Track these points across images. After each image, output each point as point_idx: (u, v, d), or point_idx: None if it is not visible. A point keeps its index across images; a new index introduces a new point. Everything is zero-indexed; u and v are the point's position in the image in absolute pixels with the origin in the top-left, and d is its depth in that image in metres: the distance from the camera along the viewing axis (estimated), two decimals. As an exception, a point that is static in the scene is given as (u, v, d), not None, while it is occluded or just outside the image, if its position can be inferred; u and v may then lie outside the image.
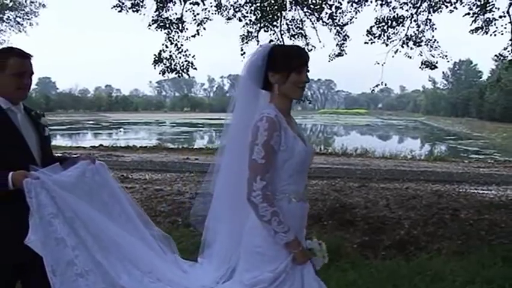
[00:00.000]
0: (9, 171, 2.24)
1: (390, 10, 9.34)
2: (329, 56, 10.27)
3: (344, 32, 9.97)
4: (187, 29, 9.12)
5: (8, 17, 18.99)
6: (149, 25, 8.91)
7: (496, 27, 8.85)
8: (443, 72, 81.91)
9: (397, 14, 9.36)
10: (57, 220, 2.24)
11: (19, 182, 2.21)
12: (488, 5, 8.75)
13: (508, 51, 8.78)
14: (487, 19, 8.96)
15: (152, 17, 8.87)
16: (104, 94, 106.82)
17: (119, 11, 8.73)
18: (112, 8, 8.63)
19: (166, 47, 9.09)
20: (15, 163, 2.28)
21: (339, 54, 10.15)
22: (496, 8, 8.70)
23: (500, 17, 8.63)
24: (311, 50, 9.94)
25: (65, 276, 2.22)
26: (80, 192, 2.40)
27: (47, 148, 2.56)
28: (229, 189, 2.30)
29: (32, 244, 2.21)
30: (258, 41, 9.65)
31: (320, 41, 10.03)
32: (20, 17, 19.03)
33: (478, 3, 8.89)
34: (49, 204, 2.23)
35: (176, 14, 8.99)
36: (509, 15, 8.46)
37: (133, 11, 8.73)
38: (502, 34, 8.69)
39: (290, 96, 2.23)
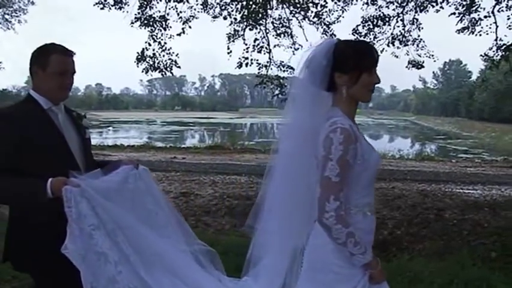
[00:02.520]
0: (48, 178, 2.06)
1: (376, 9, 9.33)
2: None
3: (330, 30, 9.95)
4: (170, 27, 9.06)
5: (-4, 14, 18.74)
6: (132, 23, 8.83)
7: (481, 27, 8.88)
8: (433, 72, 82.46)
9: (383, 13, 9.35)
10: (99, 232, 2.06)
11: (59, 190, 2.03)
12: (473, 5, 8.76)
13: (493, 51, 8.80)
14: (473, 19, 8.97)
15: (136, 14, 8.80)
16: (94, 93, 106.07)
17: (102, 8, 8.63)
18: (94, 5, 8.54)
19: (149, 45, 9.03)
20: (56, 167, 2.13)
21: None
22: (481, 8, 8.72)
23: (486, 17, 8.65)
24: (298, 49, 9.91)
25: None
26: (123, 200, 2.22)
27: (89, 151, 2.40)
28: (282, 200, 2.07)
29: (70, 254, 2.01)
30: (244, 40, 9.61)
31: (307, 40, 10.01)
32: (8, 14, 18.77)
33: (464, 3, 8.90)
34: (90, 214, 2.05)
35: (160, 11, 8.92)
36: (494, 16, 8.48)
37: (116, 9, 8.64)
38: (487, 34, 8.72)
39: (359, 99, 1.99)
